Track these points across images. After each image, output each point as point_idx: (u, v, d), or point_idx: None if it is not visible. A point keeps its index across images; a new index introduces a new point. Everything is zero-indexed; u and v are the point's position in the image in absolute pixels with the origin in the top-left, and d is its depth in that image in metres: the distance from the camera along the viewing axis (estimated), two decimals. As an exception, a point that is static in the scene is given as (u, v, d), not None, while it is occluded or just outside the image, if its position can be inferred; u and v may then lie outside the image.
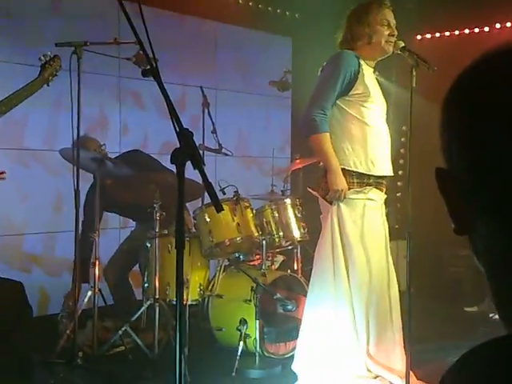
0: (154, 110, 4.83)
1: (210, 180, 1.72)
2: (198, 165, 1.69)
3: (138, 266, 3.94)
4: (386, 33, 2.94)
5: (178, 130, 1.70)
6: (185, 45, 5.16)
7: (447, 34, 5.54)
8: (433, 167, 0.66)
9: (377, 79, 3.08)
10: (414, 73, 2.85)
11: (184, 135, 1.70)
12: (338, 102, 2.92)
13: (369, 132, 2.93)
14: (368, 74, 2.96)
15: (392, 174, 3.05)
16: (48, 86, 2.99)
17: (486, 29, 5.27)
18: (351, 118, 2.92)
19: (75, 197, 3.01)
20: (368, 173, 2.92)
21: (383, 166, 2.98)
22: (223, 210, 1.72)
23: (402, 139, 5.42)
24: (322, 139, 2.86)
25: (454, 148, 0.62)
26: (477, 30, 5.34)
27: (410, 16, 5.28)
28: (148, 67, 1.82)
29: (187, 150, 1.69)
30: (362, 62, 2.94)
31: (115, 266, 3.93)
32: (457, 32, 5.47)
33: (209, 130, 4.23)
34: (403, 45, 2.94)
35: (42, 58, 2.99)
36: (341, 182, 2.86)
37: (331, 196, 2.87)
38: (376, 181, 2.95)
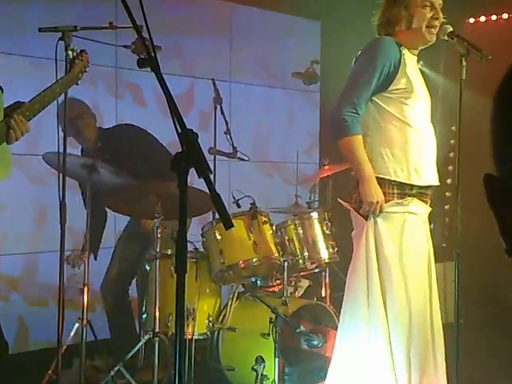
0: (156, 106, 4.84)
1: (217, 191, 1.70)
2: (203, 172, 1.67)
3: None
4: (429, 15, 2.90)
5: (179, 131, 1.68)
6: (193, 29, 5.18)
7: (505, 16, 5.49)
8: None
9: (421, 70, 3.05)
10: (465, 63, 2.83)
11: (187, 137, 1.68)
12: (375, 98, 2.89)
13: (412, 135, 2.90)
14: (411, 64, 2.92)
15: (438, 184, 3.01)
16: (77, 84, 3.03)
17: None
18: (391, 117, 2.89)
19: (61, 210, 3.00)
20: (410, 182, 2.89)
21: (428, 175, 2.95)
22: (233, 226, 1.69)
23: (451, 141, 5.38)
24: (354, 143, 2.84)
25: (508, 151, 0.59)
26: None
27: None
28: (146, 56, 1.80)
29: (190, 155, 1.67)
30: (403, 50, 2.91)
31: (114, 280, 3.97)
32: (518, 14, 5.42)
33: (221, 130, 4.24)
34: (451, 29, 2.90)
35: (70, 52, 3.03)
36: (376, 193, 2.83)
37: (365, 209, 2.84)
38: (419, 191, 2.92)
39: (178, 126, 1.70)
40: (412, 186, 2.90)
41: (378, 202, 2.82)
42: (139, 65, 1.76)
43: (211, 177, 1.74)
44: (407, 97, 2.88)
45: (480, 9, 5.51)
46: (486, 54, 2.83)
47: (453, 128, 5.23)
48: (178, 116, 1.72)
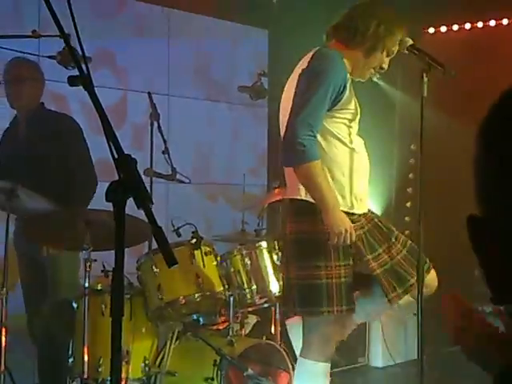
0: (84, 119, 4.79)
1: (159, 223, 1.70)
2: (144, 203, 1.67)
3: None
4: (384, 61, 3.02)
5: (116, 156, 1.68)
6: (128, 37, 5.17)
7: (467, 26, 5.66)
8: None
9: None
10: (426, 79, 2.90)
11: (124, 164, 1.67)
12: None
13: (355, 158, 2.97)
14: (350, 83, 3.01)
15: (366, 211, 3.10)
16: None
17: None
18: (334, 139, 2.94)
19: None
20: (351, 211, 2.95)
21: (365, 203, 3.05)
22: (177, 263, 1.69)
23: (411, 161, 5.49)
24: (314, 169, 2.81)
25: (495, 190, 0.61)
26: (505, 21, 5.47)
27: (419, 3, 5.39)
28: (77, 71, 1.80)
29: (128, 184, 1.67)
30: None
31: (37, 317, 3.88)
32: (480, 24, 5.59)
33: (159, 149, 4.22)
34: (412, 43, 2.98)
35: None
36: (343, 222, 2.84)
37: (334, 241, 2.85)
38: (357, 219, 2.99)
39: (113, 151, 1.70)
40: (353, 214, 2.96)
41: (346, 231, 2.84)
42: (70, 83, 1.75)
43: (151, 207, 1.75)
44: (352, 119, 2.95)
45: (440, 18, 5.65)
46: (450, 69, 2.91)
47: (412, 147, 5.34)
48: (114, 139, 1.71)
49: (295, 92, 2.91)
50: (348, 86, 2.91)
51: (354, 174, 2.95)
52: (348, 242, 2.85)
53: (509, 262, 0.61)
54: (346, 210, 2.91)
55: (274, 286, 3.80)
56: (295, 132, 2.82)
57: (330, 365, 3.04)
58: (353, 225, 2.90)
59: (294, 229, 2.97)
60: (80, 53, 1.90)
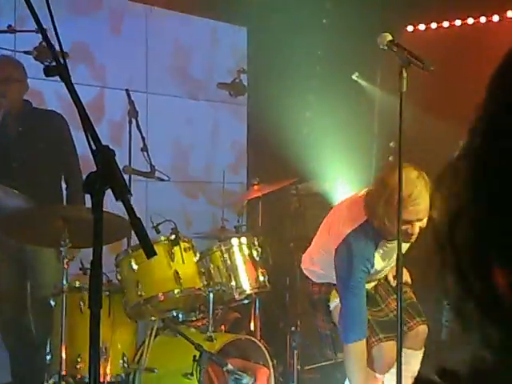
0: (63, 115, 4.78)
1: (138, 215, 1.71)
2: (122, 194, 1.67)
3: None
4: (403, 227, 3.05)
5: (94, 148, 1.68)
6: (106, 34, 5.15)
7: (446, 24, 5.71)
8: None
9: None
10: (405, 74, 2.91)
11: (102, 155, 1.68)
12: None
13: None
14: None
15: None
16: None
17: (496, 18, 5.46)
18: None
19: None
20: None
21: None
22: (156, 254, 1.70)
23: (390, 158, 5.52)
24: (350, 352, 3.31)
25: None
26: (483, 19, 5.53)
27: (399, 2, 5.44)
28: (53, 63, 1.80)
29: (107, 175, 1.67)
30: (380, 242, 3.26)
31: (7, 317, 3.87)
32: (458, 22, 5.65)
33: (137, 146, 4.21)
34: (390, 38, 3.00)
35: None
36: None
37: None
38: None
39: (91, 142, 1.70)
40: None
41: None
42: (46, 73, 1.74)
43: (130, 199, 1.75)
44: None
45: (419, 16, 5.70)
46: (429, 64, 2.93)
47: (391, 144, 5.37)
48: (92, 131, 1.72)
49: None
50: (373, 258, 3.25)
51: None
52: None
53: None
54: None
55: (254, 282, 3.81)
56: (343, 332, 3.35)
57: None
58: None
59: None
60: (57, 47, 1.91)
